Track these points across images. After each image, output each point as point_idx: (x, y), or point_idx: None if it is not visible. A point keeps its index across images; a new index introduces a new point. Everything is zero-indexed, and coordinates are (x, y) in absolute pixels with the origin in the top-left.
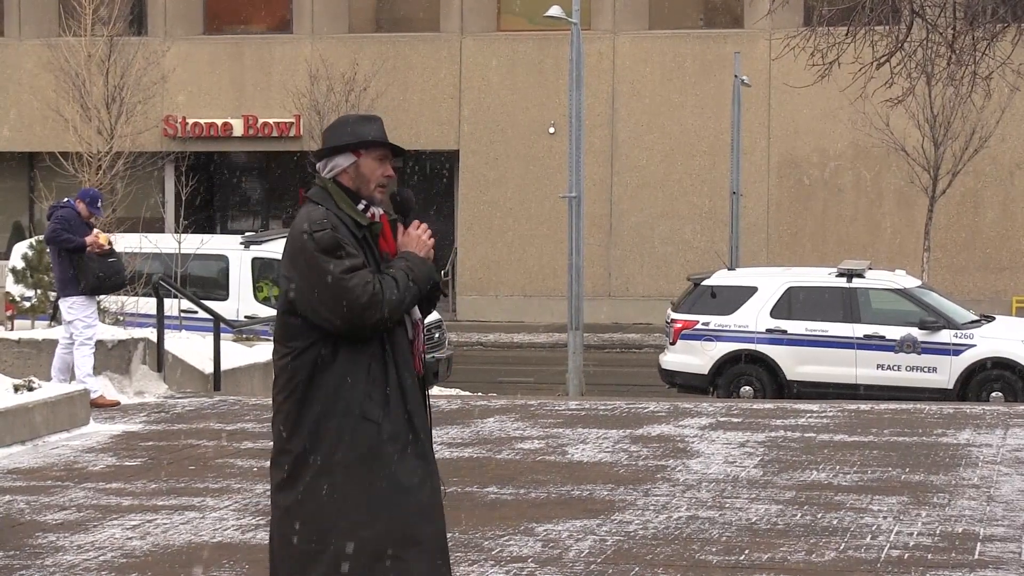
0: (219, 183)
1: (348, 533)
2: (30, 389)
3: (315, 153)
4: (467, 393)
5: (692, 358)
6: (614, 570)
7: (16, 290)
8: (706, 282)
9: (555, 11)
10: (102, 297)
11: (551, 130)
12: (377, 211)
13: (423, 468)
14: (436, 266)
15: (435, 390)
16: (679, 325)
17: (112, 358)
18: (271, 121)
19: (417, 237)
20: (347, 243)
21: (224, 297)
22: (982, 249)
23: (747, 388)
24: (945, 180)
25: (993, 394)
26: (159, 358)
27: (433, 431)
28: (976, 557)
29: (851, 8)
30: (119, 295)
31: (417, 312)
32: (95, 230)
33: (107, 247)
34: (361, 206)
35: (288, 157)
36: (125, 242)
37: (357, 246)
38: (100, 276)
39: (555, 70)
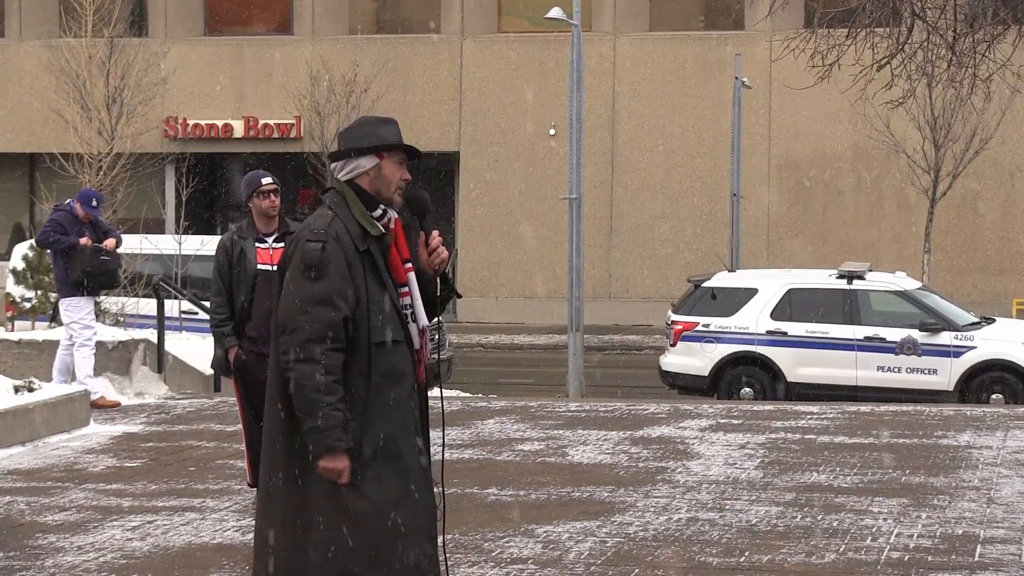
0: (219, 184)
1: (319, 548)
2: (30, 390)
3: (334, 154)
4: (467, 394)
5: (692, 360)
6: (614, 572)
7: (16, 291)
8: (706, 284)
9: (556, 13)
10: (102, 298)
11: (551, 132)
12: (392, 216)
13: (400, 489)
14: (445, 273)
15: (435, 391)
16: (679, 327)
17: (112, 359)
18: (271, 122)
19: (428, 261)
20: (330, 264)
21: None
22: (982, 251)
23: (747, 390)
24: (945, 182)
25: (993, 396)
26: (159, 359)
27: (432, 433)
28: (976, 559)
29: (851, 10)
30: (115, 295)
31: (424, 319)
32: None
33: (109, 247)
34: (379, 212)
35: (289, 158)
36: (125, 243)
37: (352, 262)
38: (88, 271)
39: (556, 72)
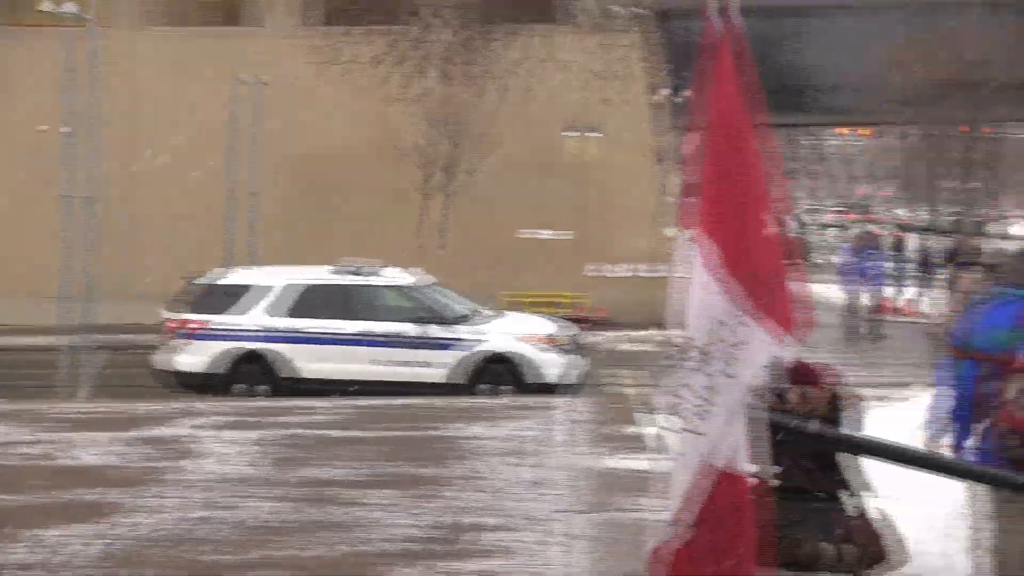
0: None
1: None
2: None
3: None
4: None
5: (189, 357)
6: (103, 574)
7: None
8: (202, 281)
9: (46, 6)
10: None
11: (43, 128)
12: None
13: None
14: None
15: None
16: (175, 324)
17: None
18: None
19: None
20: None
21: None
22: (487, 246)
23: (243, 386)
24: (449, 178)
25: (486, 386)
26: None
27: None
28: (463, 546)
29: (348, 8)
30: None
31: None
32: None
33: None
34: None
35: None
36: None
37: None
38: None
39: (52, 66)
